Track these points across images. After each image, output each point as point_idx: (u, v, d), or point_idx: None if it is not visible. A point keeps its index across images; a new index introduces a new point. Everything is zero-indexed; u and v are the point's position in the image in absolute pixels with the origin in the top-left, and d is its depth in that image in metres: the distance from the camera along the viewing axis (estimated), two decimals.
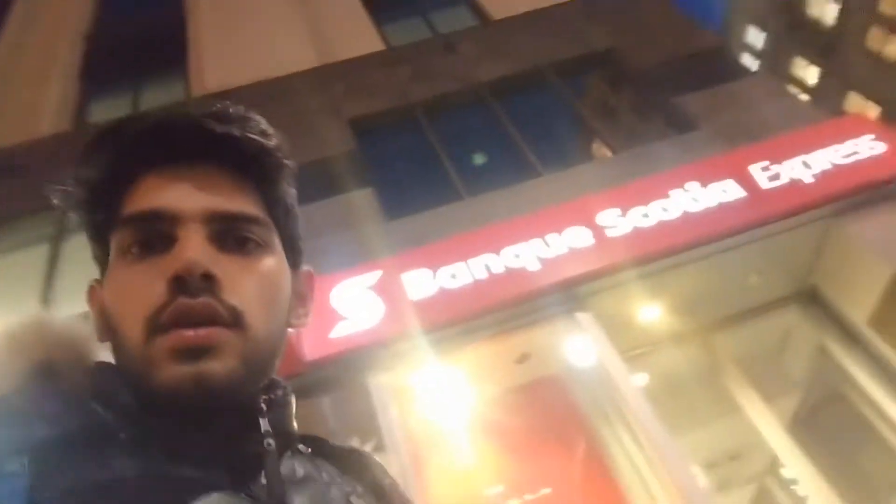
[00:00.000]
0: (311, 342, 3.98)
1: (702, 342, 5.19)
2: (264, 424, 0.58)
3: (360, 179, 5.66)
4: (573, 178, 5.42)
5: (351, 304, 4.22)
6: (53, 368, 0.57)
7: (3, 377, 0.55)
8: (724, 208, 4.58)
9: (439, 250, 4.56)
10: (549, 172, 5.80)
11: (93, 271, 0.64)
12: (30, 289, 5.42)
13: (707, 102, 5.92)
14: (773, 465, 6.85)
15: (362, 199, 5.49)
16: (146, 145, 0.58)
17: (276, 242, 0.62)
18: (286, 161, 0.63)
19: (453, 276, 4.34)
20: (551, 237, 4.49)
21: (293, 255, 0.65)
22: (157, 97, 7.54)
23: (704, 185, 4.69)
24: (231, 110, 0.60)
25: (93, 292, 0.63)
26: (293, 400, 0.65)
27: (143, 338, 0.54)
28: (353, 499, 0.65)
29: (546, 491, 4.28)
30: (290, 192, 0.66)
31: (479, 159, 6.59)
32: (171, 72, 7.82)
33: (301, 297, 0.66)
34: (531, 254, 4.43)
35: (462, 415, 4.43)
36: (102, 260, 0.61)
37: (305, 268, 0.68)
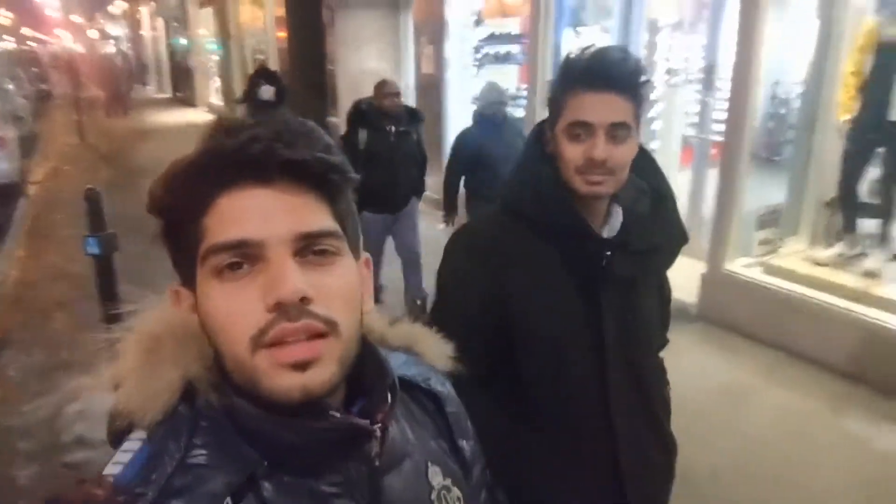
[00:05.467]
0: None
1: None
2: (375, 447, 0.66)
3: None
4: None
5: None
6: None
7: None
8: None
9: None
10: None
11: None
12: None
13: None
14: None
15: None
16: (222, 171, 0.61)
17: (346, 245, 0.66)
18: (350, 175, 0.67)
19: None
20: None
21: (355, 250, 0.69)
22: None
23: None
24: (299, 129, 0.63)
25: (177, 296, 0.67)
26: (389, 369, 0.71)
27: (249, 353, 0.59)
28: (430, 468, 0.74)
29: None
30: (352, 197, 0.70)
31: None
32: None
33: (364, 284, 0.71)
34: None
35: None
36: (187, 270, 0.65)
37: (364, 255, 0.73)
